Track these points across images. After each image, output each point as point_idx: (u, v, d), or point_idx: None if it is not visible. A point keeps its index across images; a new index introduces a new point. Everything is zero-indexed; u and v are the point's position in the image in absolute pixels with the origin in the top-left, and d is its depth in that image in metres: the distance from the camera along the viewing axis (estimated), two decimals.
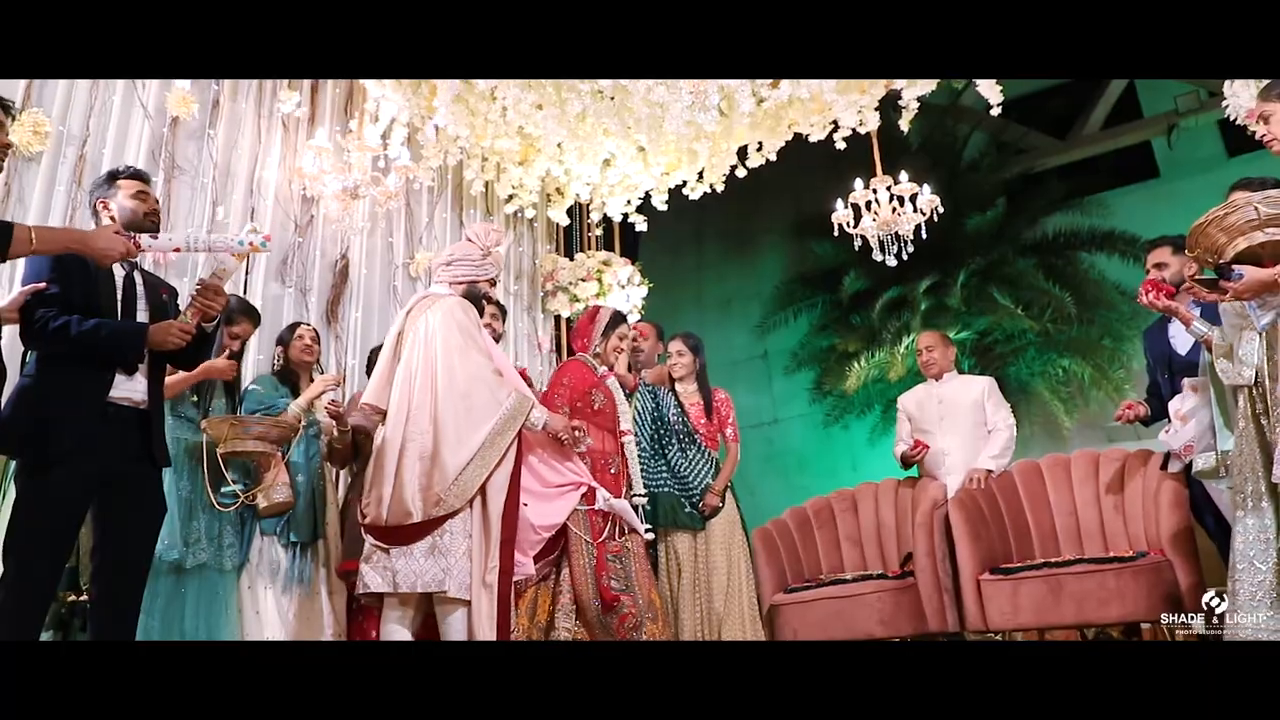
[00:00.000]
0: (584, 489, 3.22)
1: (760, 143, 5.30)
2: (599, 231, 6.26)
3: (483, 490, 2.84)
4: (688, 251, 10.09)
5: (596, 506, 3.23)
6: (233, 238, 2.55)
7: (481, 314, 3.25)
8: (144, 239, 2.39)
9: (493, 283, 3.31)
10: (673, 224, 8.05)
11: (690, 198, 5.71)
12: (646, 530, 3.49)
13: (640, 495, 3.56)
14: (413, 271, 5.15)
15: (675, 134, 4.93)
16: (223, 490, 3.14)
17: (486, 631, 2.74)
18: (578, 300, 5.76)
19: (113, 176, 2.68)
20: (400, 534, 2.81)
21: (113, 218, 2.58)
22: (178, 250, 2.52)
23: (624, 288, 5.79)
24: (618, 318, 3.75)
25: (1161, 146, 8.68)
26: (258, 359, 3.91)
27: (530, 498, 3.04)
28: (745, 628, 3.90)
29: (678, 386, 4.32)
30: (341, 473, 3.95)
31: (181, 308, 2.61)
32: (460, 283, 3.20)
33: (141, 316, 2.54)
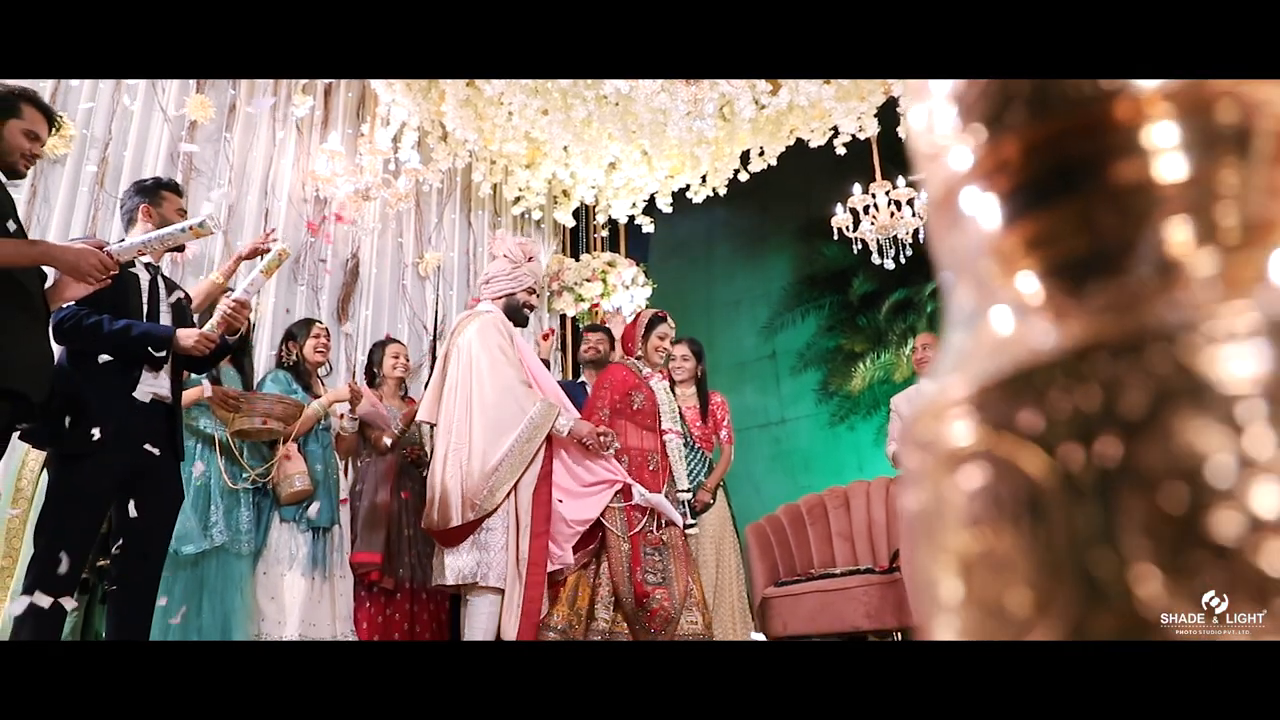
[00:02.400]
0: (618, 486, 3.34)
1: (762, 148, 5.40)
2: (605, 233, 6.39)
3: (514, 488, 3.11)
4: (698, 253, 10.17)
5: (634, 501, 3.35)
6: (178, 226, 2.58)
7: (525, 323, 3.46)
8: (113, 248, 2.40)
9: (531, 290, 3.49)
10: (683, 226, 8.14)
11: (694, 201, 5.82)
12: (689, 526, 3.58)
13: (684, 491, 3.67)
14: (421, 271, 5.30)
15: (678, 139, 5.04)
16: (241, 472, 3.24)
17: (514, 617, 3.00)
18: (582, 300, 5.87)
19: (159, 186, 2.77)
20: (447, 535, 3.13)
21: (153, 225, 2.70)
22: (141, 253, 2.53)
23: (628, 288, 5.90)
24: (656, 319, 3.86)
25: None
26: (269, 354, 4.05)
27: (565, 495, 3.24)
28: (735, 621, 4.01)
29: (677, 389, 4.40)
30: (350, 464, 4.08)
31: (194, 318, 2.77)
32: (499, 296, 3.46)
33: (164, 319, 2.67)
